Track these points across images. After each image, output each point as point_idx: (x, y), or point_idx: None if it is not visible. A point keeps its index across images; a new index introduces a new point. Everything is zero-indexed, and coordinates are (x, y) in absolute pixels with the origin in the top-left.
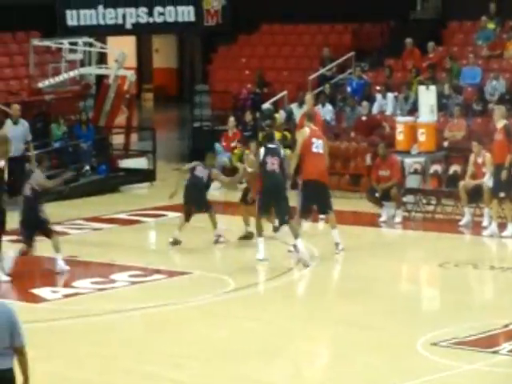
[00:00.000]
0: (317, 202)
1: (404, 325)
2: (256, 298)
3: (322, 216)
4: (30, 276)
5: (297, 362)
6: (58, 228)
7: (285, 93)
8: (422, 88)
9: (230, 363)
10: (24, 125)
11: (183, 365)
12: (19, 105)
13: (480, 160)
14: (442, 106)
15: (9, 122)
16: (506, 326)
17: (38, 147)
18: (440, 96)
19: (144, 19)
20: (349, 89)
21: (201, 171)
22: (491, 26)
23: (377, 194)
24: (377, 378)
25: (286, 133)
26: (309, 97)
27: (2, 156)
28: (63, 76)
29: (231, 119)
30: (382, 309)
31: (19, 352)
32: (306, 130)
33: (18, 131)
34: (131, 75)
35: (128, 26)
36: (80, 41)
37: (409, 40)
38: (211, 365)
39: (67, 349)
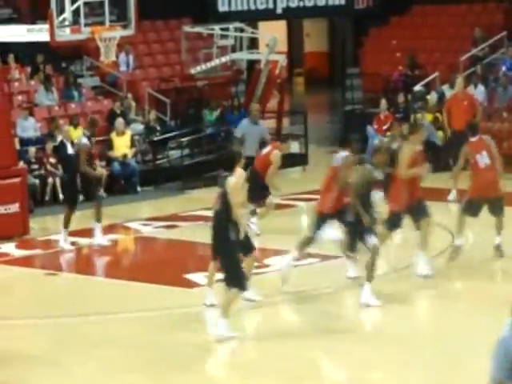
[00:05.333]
0: None
1: None
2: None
3: None
4: (183, 261)
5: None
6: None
7: (436, 74)
8: None
9: (384, 345)
10: (261, 125)
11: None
12: (172, 91)
13: None
14: None
15: (246, 121)
16: None
17: (190, 133)
18: None
19: (295, 3)
20: (503, 69)
21: None
22: None
23: None
24: None
25: (438, 115)
26: (459, 80)
27: None
28: (215, 62)
29: (383, 101)
30: None
31: None
32: None
33: (255, 130)
34: (283, 60)
35: (279, 10)
36: (231, 26)
37: None
38: (361, 344)
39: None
